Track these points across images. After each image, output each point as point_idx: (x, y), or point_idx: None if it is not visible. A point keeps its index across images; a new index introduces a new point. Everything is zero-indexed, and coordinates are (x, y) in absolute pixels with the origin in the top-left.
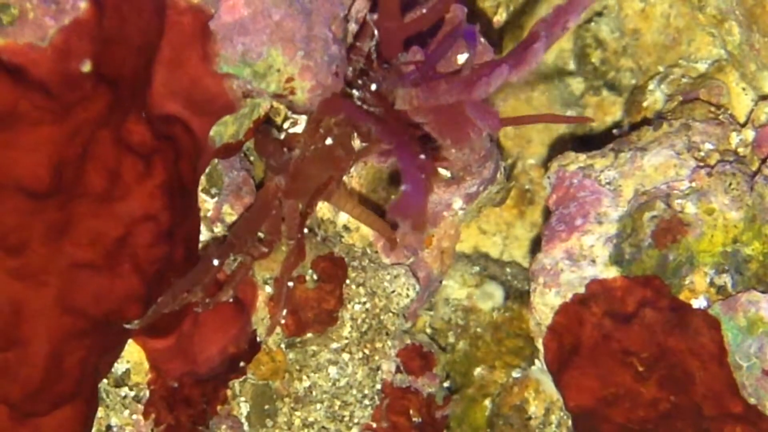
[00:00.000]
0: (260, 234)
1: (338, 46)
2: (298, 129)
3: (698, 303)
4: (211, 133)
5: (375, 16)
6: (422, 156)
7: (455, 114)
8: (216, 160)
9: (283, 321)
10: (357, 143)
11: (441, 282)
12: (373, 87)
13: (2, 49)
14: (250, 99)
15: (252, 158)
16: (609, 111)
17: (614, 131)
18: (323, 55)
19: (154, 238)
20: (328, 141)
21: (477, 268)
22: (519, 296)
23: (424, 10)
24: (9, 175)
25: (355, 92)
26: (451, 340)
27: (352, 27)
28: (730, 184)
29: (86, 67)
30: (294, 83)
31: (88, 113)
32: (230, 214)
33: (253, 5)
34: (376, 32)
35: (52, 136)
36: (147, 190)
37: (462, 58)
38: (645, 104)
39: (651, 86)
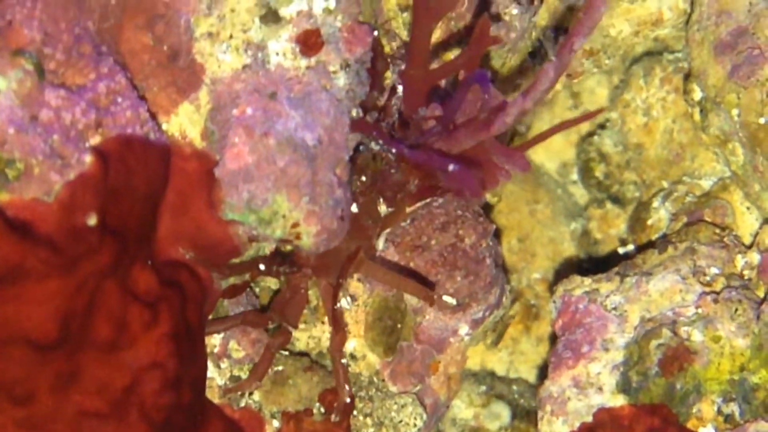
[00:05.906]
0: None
1: (343, 190)
2: None
3: None
4: None
5: (402, 66)
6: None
7: (483, 162)
8: None
9: (348, 400)
10: (383, 209)
11: (448, 407)
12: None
13: (8, 204)
14: (256, 243)
15: (258, 290)
16: (613, 224)
17: (618, 249)
18: (328, 199)
19: (161, 385)
20: (354, 209)
21: (483, 388)
22: (526, 415)
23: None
24: (17, 329)
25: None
26: None
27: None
28: (736, 311)
29: (92, 220)
30: (299, 228)
31: (95, 265)
32: (237, 350)
33: (258, 152)
34: (399, 88)
35: (58, 289)
36: (154, 338)
37: None
38: (650, 222)
39: (655, 204)
